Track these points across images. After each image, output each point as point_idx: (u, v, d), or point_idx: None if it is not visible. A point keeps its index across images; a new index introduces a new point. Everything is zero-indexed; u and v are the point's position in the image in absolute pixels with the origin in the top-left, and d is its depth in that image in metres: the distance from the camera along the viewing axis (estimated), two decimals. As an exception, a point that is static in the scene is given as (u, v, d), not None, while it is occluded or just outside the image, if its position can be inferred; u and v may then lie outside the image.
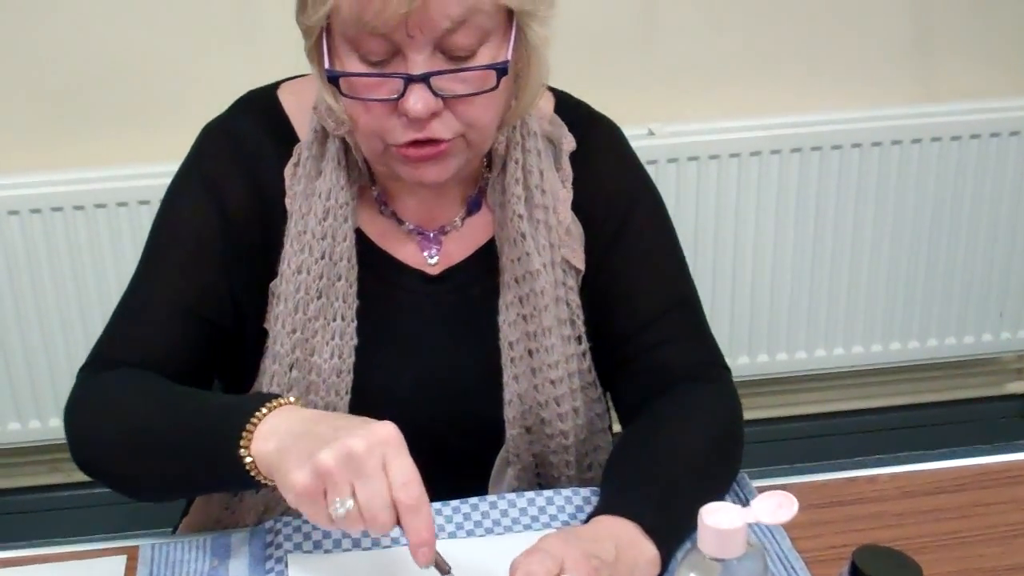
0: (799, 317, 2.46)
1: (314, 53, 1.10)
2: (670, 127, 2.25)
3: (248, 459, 1.00)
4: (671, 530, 1.03)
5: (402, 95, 1.04)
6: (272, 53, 1.39)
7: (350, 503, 0.93)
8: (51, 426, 2.26)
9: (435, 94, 1.04)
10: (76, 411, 1.17)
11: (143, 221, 2.12)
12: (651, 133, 2.24)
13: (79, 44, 2.10)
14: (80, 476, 1.18)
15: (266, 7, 2.11)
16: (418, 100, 1.03)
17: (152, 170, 2.09)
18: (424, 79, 1.03)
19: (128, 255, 2.13)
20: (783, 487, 0.93)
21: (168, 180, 1.25)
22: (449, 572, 0.97)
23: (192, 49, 2.14)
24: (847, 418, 2.68)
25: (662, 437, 1.13)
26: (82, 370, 1.21)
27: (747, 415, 1.21)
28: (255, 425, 1.01)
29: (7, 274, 2.14)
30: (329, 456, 0.93)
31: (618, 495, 1.05)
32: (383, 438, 0.95)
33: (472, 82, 1.05)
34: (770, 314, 2.45)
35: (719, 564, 0.82)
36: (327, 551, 1.09)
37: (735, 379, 1.26)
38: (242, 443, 1.00)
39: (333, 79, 1.06)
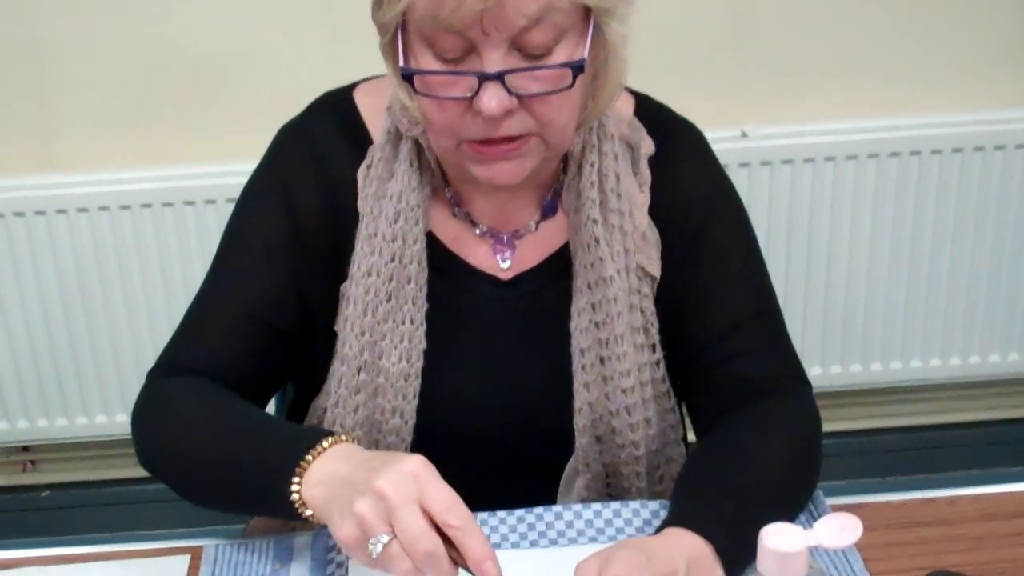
0: (894, 326, 2.39)
1: (389, 50, 1.09)
2: (764, 129, 2.20)
3: (299, 503, 1.00)
4: (741, 551, 0.99)
5: (476, 93, 1.02)
6: (353, 52, 1.38)
7: (384, 539, 0.91)
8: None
9: (510, 92, 1.02)
10: (142, 416, 1.18)
11: (208, 220, 2.15)
12: (744, 135, 2.20)
13: (158, 40, 2.13)
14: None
15: (351, 5, 2.11)
16: (492, 98, 1.01)
17: (221, 169, 2.12)
18: (499, 77, 1.01)
19: (194, 253, 2.17)
20: (859, 506, 0.89)
21: (236, 179, 1.25)
22: None
23: (272, 46, 2.15)
24: (936, 432, 2.60)
25: (739, 451, 1.10)
26: (150, 373, 1.22)
27: (833, 426, 1.17)
28: (304, 470, 1.00)
29: (79, 270, 2.18)
30: (363, 504, 0.93)
31: (691, 509, 1.02)
32: (411, 471, 0.93)
33: (547, 81, 1.03)
34: (864, 322, 2.38)
35: (781, 589, 0.78)
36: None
37: (828, 387, 1.21)
38: (293, 488, 1.00)
39: (407, 76, 1.05)
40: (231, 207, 1.26)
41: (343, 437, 1.03)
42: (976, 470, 2.54)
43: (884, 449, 2.49)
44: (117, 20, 2.11)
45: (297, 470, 1.00)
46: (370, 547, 0.92)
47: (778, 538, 0.78)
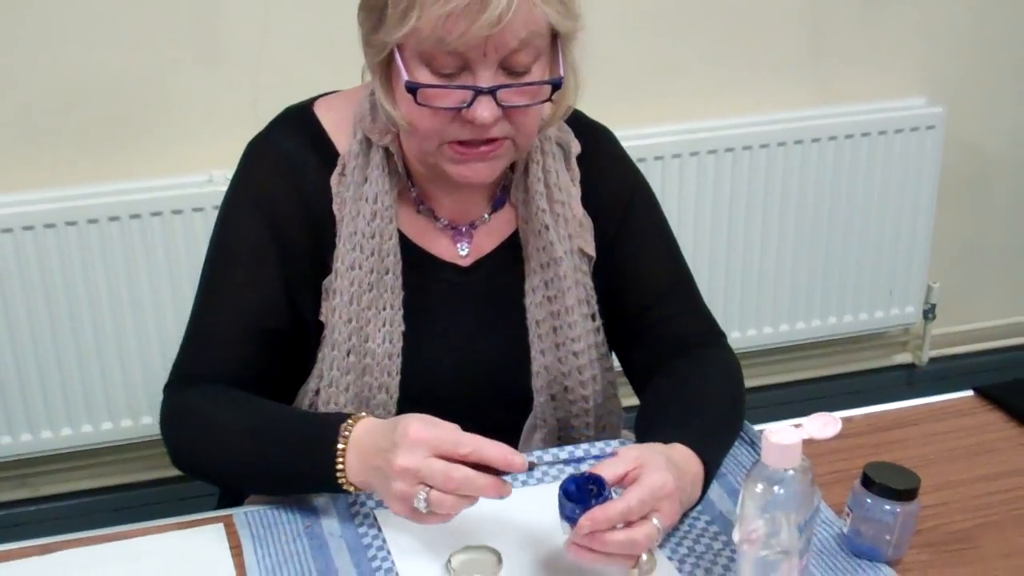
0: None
1: (382, 66, 1.24)
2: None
3: (347, 484, 1.19)
4: (714, 469, 1.22)
5: (470, 104, 1.20)
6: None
7: (423, 494, 1.11)
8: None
9: (498, 104, 1.20)
10: (170, 427, 1.33)
11: (142, 232, 2.29)
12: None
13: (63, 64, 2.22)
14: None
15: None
16: (485, 109, 1.19)
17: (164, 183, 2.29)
18: (491, 92, 1.19)
19: (141, 265, 2.30)
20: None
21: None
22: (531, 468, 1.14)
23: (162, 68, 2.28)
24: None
25: (691, 389, 1.32)
26: (167, 388, 1.36)
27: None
28: (344, 458, 1.19)
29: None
30: (396, 484, 1.12)
31: (670, 429, 1.21)
32: (412, 439, 1.11)
33: (529, 95, 1.22)
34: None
35: (781, 473, 1.01)
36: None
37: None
38: (340, 477, 1.19)
39: (412, 89, 1.21)
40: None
41: (355, 418, 1.21)
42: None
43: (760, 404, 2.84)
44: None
45: (338, 466, 1.18)
46: (415, 506, 1.11)
47: (779, 435, 1.01)
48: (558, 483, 1.24)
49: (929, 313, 3.03)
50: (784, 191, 2.67)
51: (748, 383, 1.40)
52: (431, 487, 1.11)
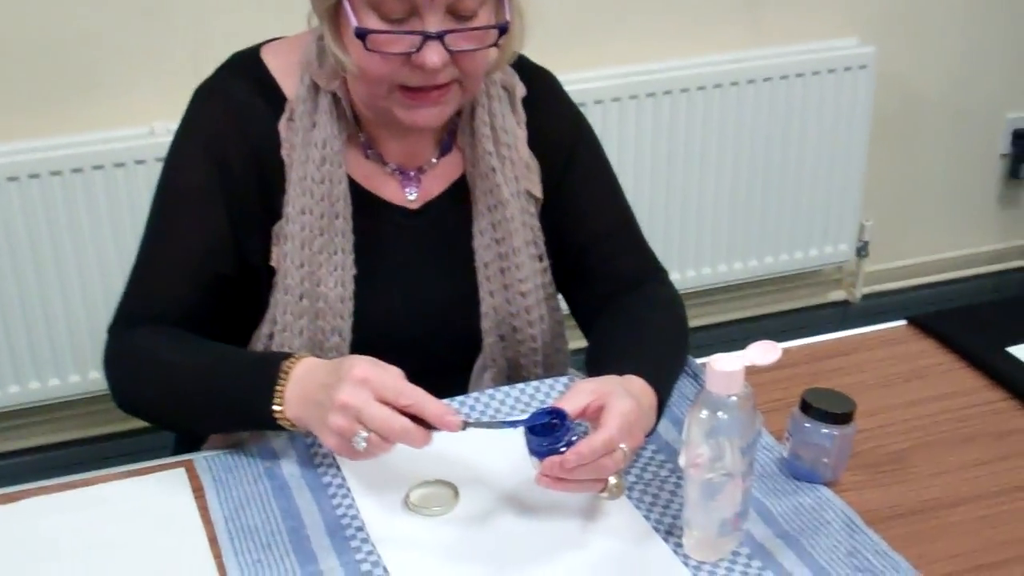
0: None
1: (330, 13, 1.26)
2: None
3: (285, 421, 1.22)
4: (666, 399, 1.27)
5: (419, 49, 1.22)
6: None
7: (363, 435, 1.14)
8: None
9: (447, 49, 1.23)
10: (113, 367, 1.35)
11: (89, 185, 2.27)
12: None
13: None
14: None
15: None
16: (434, 54, 1.22)
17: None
18: (440, 37, 1.22)
19: (84, 219, 2.30)
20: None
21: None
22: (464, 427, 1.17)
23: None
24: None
25: (638, 323, 1.36)
26: (111, 329, 1.37)
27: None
28: (281, 393, 1.21)
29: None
30: (334, 417, 1.14)
31: (622, 361, 1.25)
32: (357, 377, 1.14)
33: (476, 39, 1.25)
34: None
35: (724, 399, 1.06)
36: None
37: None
38: (277, 412, 1.21)
39: (361, 35, 1.23)
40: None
41: (297, 357, 1.24)
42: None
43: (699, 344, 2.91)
44: None
45: (275, 400, 1.21)
46: (355, 444, 1.14)
47: (723, 362, 1.05)
48: (512, 419, 1.29)
49: (862, 250, 3.11)
50: (720, 133, 2.72)
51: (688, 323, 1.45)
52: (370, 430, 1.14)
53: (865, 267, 3.16)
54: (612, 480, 1.13)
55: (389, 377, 1.15)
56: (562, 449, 1.10)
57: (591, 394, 1.14)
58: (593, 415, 1.13)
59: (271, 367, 1.23)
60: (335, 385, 1.15)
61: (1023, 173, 3.23)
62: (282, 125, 1.36)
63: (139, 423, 2.46)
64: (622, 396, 1.14)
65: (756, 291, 3.06)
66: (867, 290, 3.23)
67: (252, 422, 1.26)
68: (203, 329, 1.35)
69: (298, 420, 1.21)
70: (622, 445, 1.12)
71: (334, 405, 1.14)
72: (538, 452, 1.11)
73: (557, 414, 1.12)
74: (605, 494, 1.14)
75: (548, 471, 1.10)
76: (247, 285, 1.38)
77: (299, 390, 1.21)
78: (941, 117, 3.10)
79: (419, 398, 1.14)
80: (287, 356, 1.24)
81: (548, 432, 1.11)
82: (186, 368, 1.29)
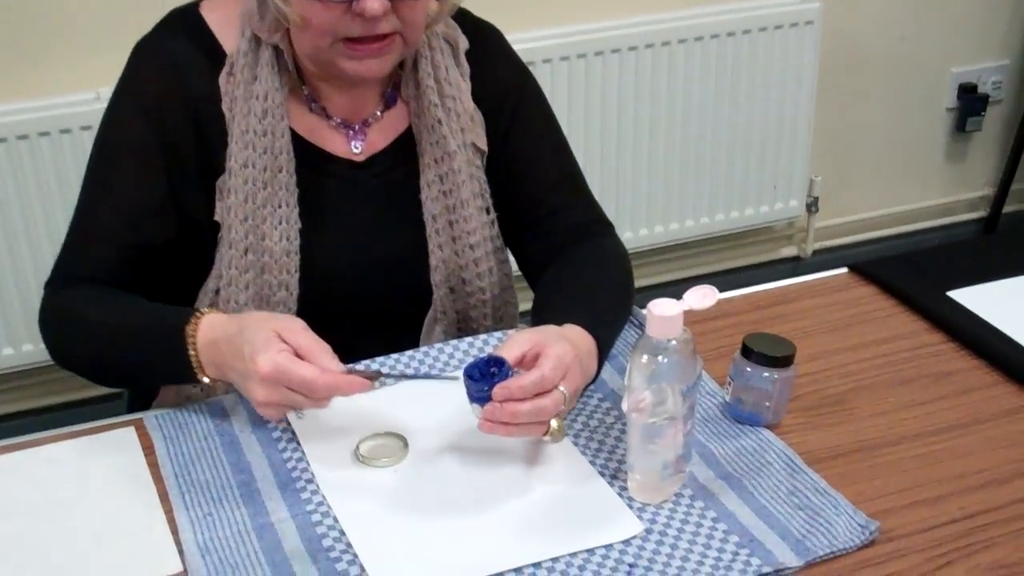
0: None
1: None
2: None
3: (201, 374, 1.24)
4: (607, 349, 1.29)
5: None
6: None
7: (304, 413, 1.19)
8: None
9: None
10: (46, 324, 1.37)
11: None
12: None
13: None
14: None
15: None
16: (375, 1, 1.23)
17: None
18: None
19: (31, 186, 2.28)
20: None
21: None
22: (378, 378, 1.19)
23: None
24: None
25: (583, 275, 1.38)
26: (46, 285, 1.39)
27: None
28: (200, 364, 1.23)
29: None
30: (258, 391, 1.15)
31: (563, 311, 1.26)
32: (265, 376, 1.13)
33: None
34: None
35: (664, 343, 1.08)
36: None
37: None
38: (194, 370, 1.24)
39: None
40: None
41: (194, 322, 1.24)
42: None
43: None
44: None
45: (193, 362, 1.23)
46: (296, 417, 1.20)
47: (661, 307, 1.07)
48: (460, 371, 1.30)
49: (812, 206, 3.14)
50: (668, 90, 2.73)
51: (638, 283, 1.46)
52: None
53: (815, 223, 3.20)
54: (554, 424, 1.15)
55: (296, 372, 1.13)
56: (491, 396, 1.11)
57: (528, 343, 1.16)
58: (530, 363, 1.15)
59: (175, 338, 1.24)
60: (247, 377, 1.16)
61: (969, 127, 3.27)
62: (222, 79, 1.35)
63: (96, 391, 2.47)
64: (558, 341, 1.16)
65: (707, 248, 3.09)
66: (817, 246, 3.26)
67: (180, 381, 1.30)
68: (142, 287, 1.36)
69: (217, 378, 1.25)
70: (561, 388, 1.13)
71: (256, 402, 1.17)
72: (477, 398, 1.13)
73: (496, 362, 1.13)
74: (547, 437, 1.16)
75: (490, 415, 1.11)
76: (191, 242, 1.38)
77: (210, 361, 1.23)
78: (887, 72, 3.13)
79: (336, 381, 1.14)
80: (186, 321, 1.24)
81: (488, 379, 1.12)
82: (108, 332, 1.30)
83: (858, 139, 3.19)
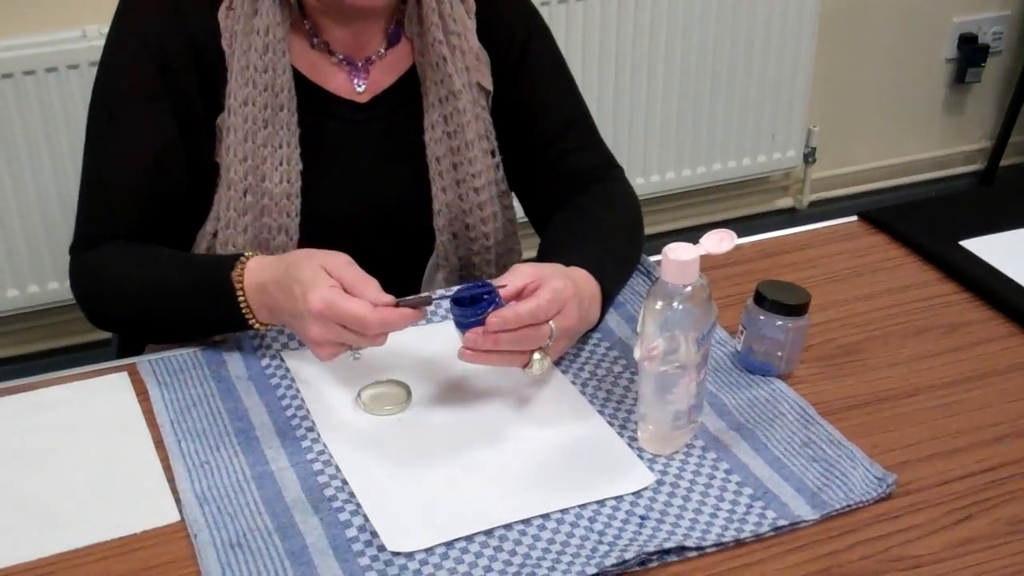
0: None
1: None
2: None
3: (254, 321, 1.21)
4: (612, 296, 1.26)
5: None
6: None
7: (359, 354, 1.13)
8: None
9: None
10: (79, 287, 1.33)
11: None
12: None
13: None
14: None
15: None
16: None
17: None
18: None
19: (16, 126, 2.22)
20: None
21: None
22: (428, 303, 1.15)
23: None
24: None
25: (591, 219, 1.34)
26: (73, 250, 1.34)
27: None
28: (250, 311, 1.20)
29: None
30: (312, 331, 1.10)
31: (569, 257, 1.22)
32: (317, 312, 1.08)
33: None
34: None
35: (679, 289, 1.04)
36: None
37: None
38: (242, 307, 1.20)
39: None
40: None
41: (241, 264, 1.20)
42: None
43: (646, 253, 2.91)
44: None
45: (243, 310, 1.19)
46: (352, 358, 1.14)
47: (677, 252, 1.04)
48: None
49: (809, 157, 3.10)
50: (668, 39, 2.68)
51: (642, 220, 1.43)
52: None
53: (812, 173, 3.16)
54: (537, 356, 1.11)
55: (347, 308, 1.08)
56: (477, 322, 1.07)
57: (529, 275, 1.12)
58: (528, 296, 1.11)
59: (223, 287, 1.20)
60: (299, 317, 1.12)
61: (968, 78, 3.23)
62: (221, 14, 1.31)
63: (86, 337, 2.43)
64: (560, 276, 1.12)
65: (703, 199, 3.05)
66: (814, 197, 3.23)
67: (230, 329, 1.25)
68: (160, 234, 1.33)
69: (270, 324, 1.22)
70: (551, 322, 1.10)
71: (311, 340, 1.11)
72: (461, 324, 1.08)
73: (486, 289, 1.09)
74: (528, 370, 1.12)
75: (470, 343, 1.07)
76: (193, 185, 1.34)
77: (261, 304, 1.19)
78: (888, 21, 3.09)
79: (383, 320, 1.08)
80: (231, 267, 1.20)
81: (477, 307, 1.08)
82: (151, 290, 1.27)
83: (857, 89, 3.15)
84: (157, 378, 1.22)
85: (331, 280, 1.10)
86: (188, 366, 1.24)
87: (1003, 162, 3.34)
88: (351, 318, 1.08)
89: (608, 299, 1.23)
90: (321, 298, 1.08)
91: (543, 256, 1.29)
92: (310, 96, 1.34)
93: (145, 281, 1.27)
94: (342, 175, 1.37)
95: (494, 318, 1.06)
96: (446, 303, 1.28)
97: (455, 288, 1.14)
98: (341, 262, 1.12)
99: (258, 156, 1.31)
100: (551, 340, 1.11)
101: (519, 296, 1.11)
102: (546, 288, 1.10)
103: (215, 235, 1.34)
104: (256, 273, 1.19)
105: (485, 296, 1.08)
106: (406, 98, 1.38)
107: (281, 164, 1.32)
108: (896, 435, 1.15)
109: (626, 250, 1.34)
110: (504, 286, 1.10)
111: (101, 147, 1.32)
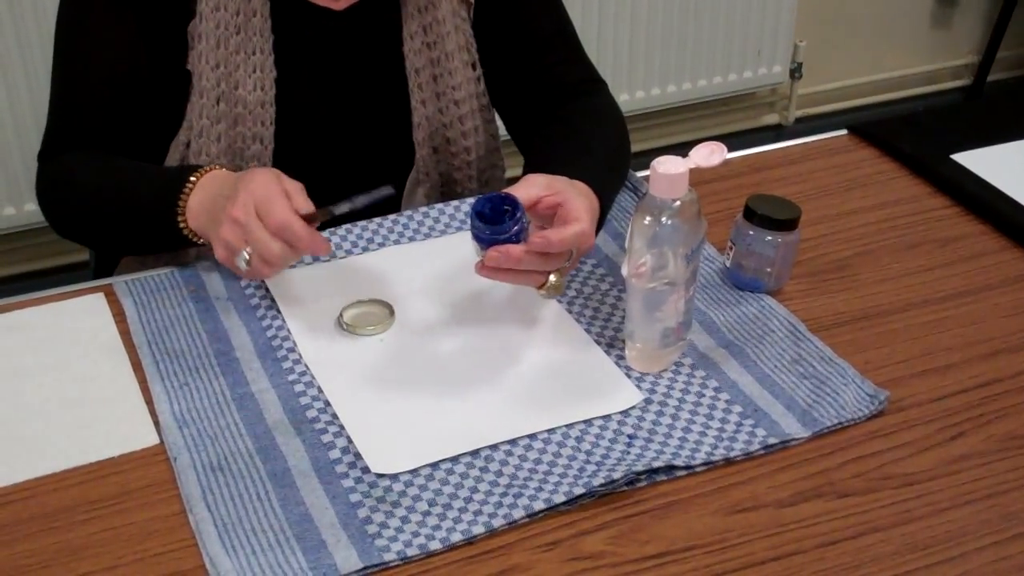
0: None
1: None
2: None
3: (190, 233, 1.19)
4: (607, 209, 1.23)
5: None
6: None
7: (245, 255, 1.10)
8: None
9: None
10: (44, 194, 1.33)
11: None
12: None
13: None
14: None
15: None
16: None
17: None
18: None
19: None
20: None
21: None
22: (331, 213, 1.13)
23: None
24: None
25: (579, 132, 1.31)
26: (39, 157, 1.33)
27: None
28: (184, 207, 1.18)
29: None
30: (224, 229, 1.10)
31: (567, 168, 1.18)
32: (251, 191, 1.09)
33: None
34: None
35: (668, 204, 1.01)
36: (292, 266, 1.22)
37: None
38: (180, 221, 1.19)
39: None
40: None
41: (207, 168, 1.19)
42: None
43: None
44: None
45: (178, 209, 1.18)
46: (238, 262, 1.11)
47: (666, 165, 1.00)
48: (444, 237, 1.23)
49: (796, 72, 3.06)
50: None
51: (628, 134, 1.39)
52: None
53: (799, 89, 3.12)
54: (552, 278, 1.09)
55: (281, 208, 1.08)
56: (503, 239, 1.04)
57: (545, 188, 1.09)
58: (546, 210, 1.08)
59: (179, 179, 1.20)
60: (231, 197, 1.11)
61: (957, -8, 3.18)
62: None
63: (61, 260, 2.40)
64: (579, 195, 1.10)
65: (689, 115, 3.01)
66: (800, 113, 3.19)
67: (162, 235, 1.22)
68: (128, 143, 1.31)
69: (199, 230, 1.19)
70: None
71: (226, 217, 1.10)
72: (481, 239, 1.05)
73: (509, 201, 1.05)
74: (543, 291, 1.10)
75: (493, 262, 1.04)
76: (167, 94, 1.30)
77: (201, 198, 1.18)
78: (877, -68, 3.03)
79: (301, 235, 1.08)
80: (199, 168, 1.20)
81: (499, 219, 1.04)
82: (105, 188, 1.26)
83: (844, 4, 3.10)
84: (134, 298, 1.19)
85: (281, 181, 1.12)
86: (166, 286, 1.21)
87: (990, 77, 3.30)
88: (264, 209, 1.08)
89: (604, 212, 1.20)
90: (264, 178, 1.10)
91: (533, 169, 1.25)
92: (285, 2, 1.30)
93: (101, 185, 1.26)
94: (318, 85, 1.33)
95: (539, 240, 1.04)
96: (428, 225, 1.25)
97: (471, 199, 1.10)
98: (294, 187, 1.13)
99: (231, 63, 1.27)
100: (568, 261, 1.09)
101: (535, 207, 1.08)
102: (583, 209, 1.08)
103: (188, 145, 1.31)
104: (213, 176, 1.19)
105: (506, 208, 1.05)
106: (384, 7, 1.33)
107: (255, 71, 1.28)
108: (888, 351, 1.13)
109: (615, 164, 1.31)
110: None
111: (67, 57, 1.29)
